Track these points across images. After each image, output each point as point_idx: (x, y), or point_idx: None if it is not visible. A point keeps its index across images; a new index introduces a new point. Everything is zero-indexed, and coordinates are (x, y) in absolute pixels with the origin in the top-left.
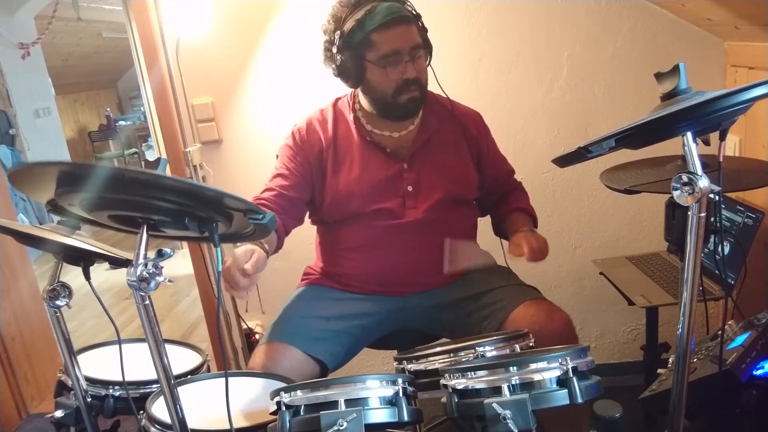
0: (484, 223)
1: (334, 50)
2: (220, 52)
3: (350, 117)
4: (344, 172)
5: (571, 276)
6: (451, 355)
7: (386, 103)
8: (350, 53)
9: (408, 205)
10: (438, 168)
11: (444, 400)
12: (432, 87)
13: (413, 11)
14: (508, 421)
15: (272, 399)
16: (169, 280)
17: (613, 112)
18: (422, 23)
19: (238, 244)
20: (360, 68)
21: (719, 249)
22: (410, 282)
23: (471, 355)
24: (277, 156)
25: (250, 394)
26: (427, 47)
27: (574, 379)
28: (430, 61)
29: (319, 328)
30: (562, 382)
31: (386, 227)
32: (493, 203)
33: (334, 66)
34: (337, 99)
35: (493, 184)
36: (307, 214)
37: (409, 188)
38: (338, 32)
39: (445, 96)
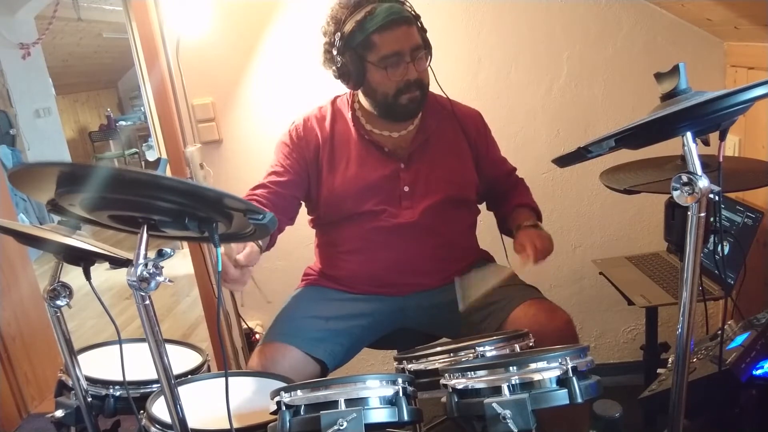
0: (484, 224)
1: (335, 52)
2: (220, 52)
3: (348, 115)
4: (340, 170)
5: (571, 276)
6: (451, 355)
7: (387, 104)
8: (351, 55)
9: (404, 205)
10: (436, 169)
11: (444, 399)
12: (432, 87)
13: (413, 12)
14: (508, 421)
15: (272, 399)
16: (169, 280)
17: (613, 112)
18: (421, 23)
19: None
20: (361, 70)
21: (719, 249)
22: (409, 282)
23: (471, 355)
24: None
25: (250, 394)
26: (427, 47)
27: (574, 378)
28: (430, 61)
29: (319, 328)
30: (562, 381)
31: (382, 228)
32: (494, 202)
33: (334, 68)
34: (336, 97)
35: (492, 183)
36: (309, 218)
37: (406, 188)
38: (338, 34)
39: (444, 96)
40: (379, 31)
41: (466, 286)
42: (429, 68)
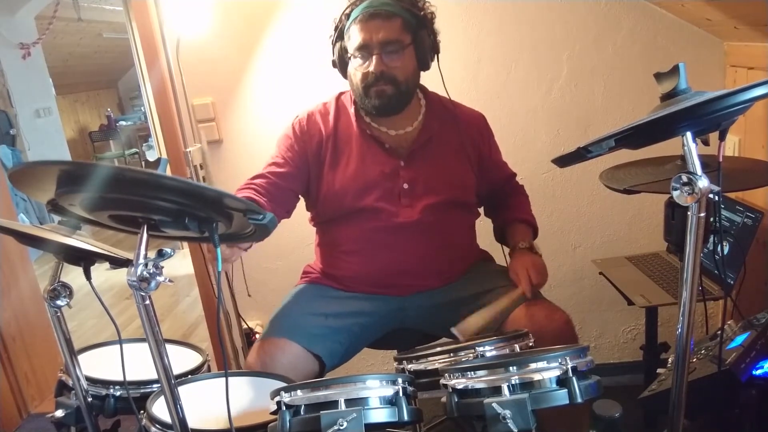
0: (485, 225)
1: (332, 41)
2: (220, 52)
3: (351, 110)
4: (342, 165)
5: (571, 276)
6: (451, 355)
7: (359, 95)
8: (339, 44)
9: (404, 203)
10: (437, 169)
11: (444, 399)
12: (437, 89)
13: (407, 8)
14: (508, 421)
15: (272, 399)
16: (170, 280)
17: (613, 112)
18: (420, 21)
19: None
20: (343, 60)
21: (719, 249)
22: (409, 283)
23: (471, 355)
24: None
25: (251, 393)
26: (418, 44)
27: (574, 378)
28: (430, 59)
29: (318, 324)
30: (562, 381)
31: (383, 228)
32: (493, 206)
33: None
34: (341, 93)
35: (492, 186)
36: (310, 216)
37: (405, 186)
38: (336, 24)
39: (448, 98)
40: (357, 22)
41: (465, 328)
42: (437, 70)
